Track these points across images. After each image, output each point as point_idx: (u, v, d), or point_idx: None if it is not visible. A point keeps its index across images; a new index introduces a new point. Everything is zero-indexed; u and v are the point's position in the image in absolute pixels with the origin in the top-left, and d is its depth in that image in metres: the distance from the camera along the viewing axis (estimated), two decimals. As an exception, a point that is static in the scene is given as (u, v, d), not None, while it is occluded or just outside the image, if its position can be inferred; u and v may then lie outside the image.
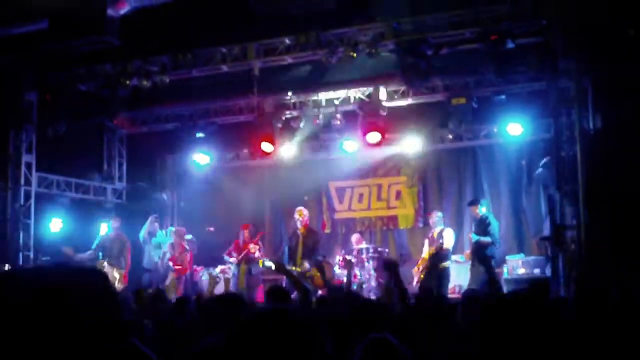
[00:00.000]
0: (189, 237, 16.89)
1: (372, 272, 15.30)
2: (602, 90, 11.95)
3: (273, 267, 13.39)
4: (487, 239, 13.42)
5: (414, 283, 13.94)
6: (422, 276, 13.89)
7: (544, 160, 14.37)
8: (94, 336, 1.64)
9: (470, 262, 13.90)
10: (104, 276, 1.81)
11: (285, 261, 13.73)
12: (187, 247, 15.88)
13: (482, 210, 14.01)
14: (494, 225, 13.75)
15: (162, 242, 15.95)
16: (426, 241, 14.62)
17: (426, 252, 14.34)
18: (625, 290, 6.29)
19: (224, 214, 17.78)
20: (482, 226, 13.63)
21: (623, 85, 11.29)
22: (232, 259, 15.28)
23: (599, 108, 12.15)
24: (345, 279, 15.16)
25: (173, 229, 17.53)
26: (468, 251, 14.31)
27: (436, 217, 14.58)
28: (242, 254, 14.98)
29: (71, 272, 1.74)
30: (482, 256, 13.39)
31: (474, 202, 14.39)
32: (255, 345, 1.96)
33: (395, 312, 6.17)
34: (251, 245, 15.06)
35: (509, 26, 12.39)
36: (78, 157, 17.22)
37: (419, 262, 14.46)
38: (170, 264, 15.22)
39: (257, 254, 14.95)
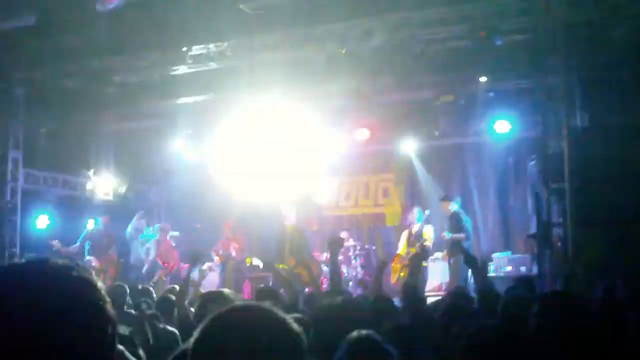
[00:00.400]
0: (175, 233, 16.88)
1: (359, 269, 15.32)
2: (589, 88, 12.01)
3: (261, 266, 13.39)
4: (460, 235, 13.48)
5: (392, 281, 13.89)
6: (402, 274, 13.78)
7: (533, 161, 14.42)
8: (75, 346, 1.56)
9: (447, 261, 13.89)
10: (89, 276, 1.69)
11: (273, 259, 13.71)
12: (172, 243, 15.86)
13: (453, 207, 14.04)
14: (467, 221, 13.81)
15: (149, 239, 15.93)
16: (403, 235, 14.54)
17: (402, 247, 14.27)
18: (609, 290, 6.33)
19: (211, 211, 17.75)
20: (455, 223, 13.66)
21: (610, 83, 11.33)
22: (216, 257, 15.24)
23: (587, 106, 12.21)
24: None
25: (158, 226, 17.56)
26: (445, 252, 14.25)
27: (416, 212, 14.54)
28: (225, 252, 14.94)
29: (53, 271, 1.64)
30: (459, 251, 13.34)
31: (446, 198, 14.38)
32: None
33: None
34: (230, 245, 15.04)
35: (498, 23, 12.40)
36: (65, 153, 17.15)
37: (395, 258, 14.40)
38: (159, 261, 15.18)
39: (233, 253, 14.89)
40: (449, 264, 13.70)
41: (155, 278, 14.99)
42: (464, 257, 13.01)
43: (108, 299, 1.65)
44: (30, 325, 1.50)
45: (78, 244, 15.38)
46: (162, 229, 15.80)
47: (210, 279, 15.55)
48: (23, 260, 1.69)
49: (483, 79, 14.07)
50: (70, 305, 1.56)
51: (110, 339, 1.61)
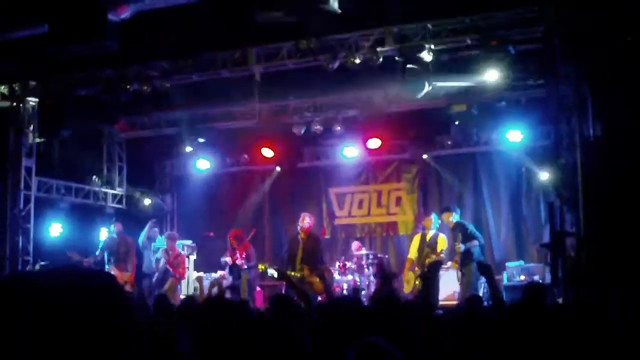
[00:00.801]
0: (188, 242, 16.90)
1: (372, 278, 15.27)
2: (601, 97, 11.95)
3: (275, 275, 13.35)
4: (474, 242, 13.40)
5: (406, 290, 13.83)
6: (417, 283, 13.69)
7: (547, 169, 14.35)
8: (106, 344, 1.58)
9: (457, 272, 13.76)
10: (114, 279, 1.72)
11: (285, 266, 13.70)
12: (181, 251, 15.87)
13: (455, 218, 13.96)
14: (471, 228, 13.74)
15: (160, 247, 15.95)
16: (415, 239, 14.43)
17: (413, 252, 14.17)
18: (622, 301, 6.29)
19: (224, 219, 17.80)
20: (463, 232, 13.57)
21: (622, 92, 11.28)
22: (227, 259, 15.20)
23: (599, 115, 12.15)
24: (344, 285, 15.17)
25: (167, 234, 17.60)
26: (452, 262, 14.10)
27: (433, 219, 14.45)
28: (233, 262, 14.86)
29: (81, 275, 1.67)
30: (472, 262, 13.24)
31: (448, 210, 14.24)
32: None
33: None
34: (237, 254, 14.99)
35: (509, 33, 12.40)
36: (78, 162, 17.20)
37: (406, 263, 14.31)
38: (169, 268, 15.19)
39: (239, 262, 14.83)
40: (461, 273, 13.61)
41: (166, 286, 14.98)
42: (478, 265, 12.99)
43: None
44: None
45: (98, 253, 15.41)
46: (169, 237, 15.77)
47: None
48: (37, 268, 1.71)
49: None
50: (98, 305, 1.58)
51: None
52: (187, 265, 16.03)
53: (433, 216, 14.59)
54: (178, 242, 16.28)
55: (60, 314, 1.52)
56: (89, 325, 1.54)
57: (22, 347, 1.49)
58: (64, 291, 1.57)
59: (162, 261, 15.27)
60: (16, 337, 1.50)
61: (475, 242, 13.46)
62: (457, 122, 15.26)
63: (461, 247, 13.39)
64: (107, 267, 15.15)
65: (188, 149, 17.13)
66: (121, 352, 1.56)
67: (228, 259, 14.87)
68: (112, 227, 15.89)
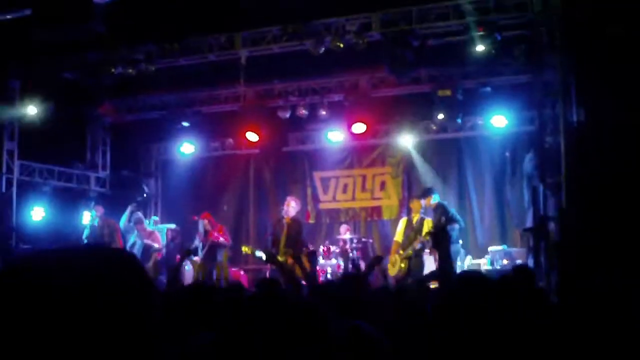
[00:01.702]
0: (172, 226, 16.89)
1: (357, 262, 15.33)
2: (586, 83, 12.03)
3: (264, 258, 13.37)
4: (455, 226, 13.38)
5: (392, 274, 13.85)
6: (403, 266, 13.74)
7: (529, 155, 14.42)
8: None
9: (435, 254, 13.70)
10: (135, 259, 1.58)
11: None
12: (147, 227, 15.91)
13: (435, 198, 13.89)
14: (452, 210, 13.76)
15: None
16: (401, 223, 14.39)
17: (399, 235, 14.15)
18: (607, 282, 6.35)
19: (208, 203, 17.77)
20: (445, 214, 13.53)
21: (607, 79, 11.36)
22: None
23: (583, 101, 12.24)
24: (329, 269, 15.23)
25: (156, 218, 17.56)
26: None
27: (421, 203, 14.39)
28: (208, 244, 14.79)
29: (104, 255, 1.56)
30: (449, 243, 13.21)
31: (428, 193, 14.16)
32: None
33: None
34: (215, 234, 14.94)
35: (496, 19, 12.44)
36: (61, 145, 17.10)
37: (393, 246, 14.31)
38: (151, 243, 15.17)
39: (221, 240, 14.82)
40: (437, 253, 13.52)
41: (151, 262, 14.94)
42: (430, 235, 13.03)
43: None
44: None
45: (86, 239, 15.33)
46: (136, 222, 15.72)
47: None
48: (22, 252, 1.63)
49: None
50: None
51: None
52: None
53: (421, 201, 14.54)
54: (159, 225, 16.36)
55: (78, 301, 1.43)
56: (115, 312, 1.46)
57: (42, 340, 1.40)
58: (79, 274, 1.47)
59: (139, 242, 15.25)
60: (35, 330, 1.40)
61: (456, 225, 13.47)
62: (442, 107, 15.26)
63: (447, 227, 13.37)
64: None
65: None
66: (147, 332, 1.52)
67: (198, 242, 14.75)
68: (93, 211, 15.76)
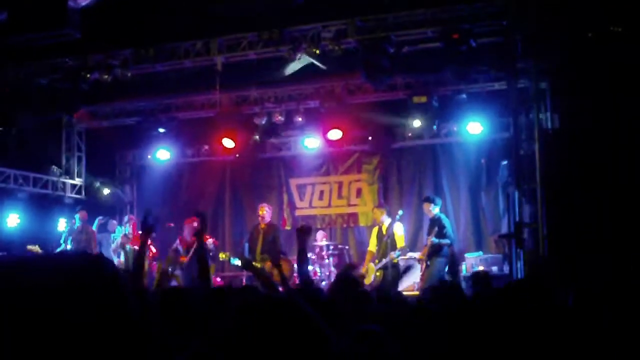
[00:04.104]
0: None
1: (333, 268, 15.35)
2: (560, 90, 12.14)
3: (240, 264, 13.36)
4: (446, 241, 13.36)
5: (367, 282, 13.88)
6: (378, 274, 13.75)
7: (504, 162, 14.49)
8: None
9: (423, 264, 13.72)
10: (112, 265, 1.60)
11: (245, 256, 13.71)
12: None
13: (435, 209, 13.88)
14: (448, 227, 13.71)
15: (117, 239, 15.81)
16: (373, 232, 14.42)
17: (372, 244, 14.19)
18: (580, 290, 6.39)
19: (184, 210, 17.71)
20: (439, 228, 13.52)
21: (580, 85, 11.46)
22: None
23: (557, 108, 12.36)
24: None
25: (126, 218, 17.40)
26: (420, 253, 14.07)
27: (384, 213, 14.35)
28: (193, 249, 14.72)
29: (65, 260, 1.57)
30: (440, 257, 13.28)
31: (429, 200, 14.16)
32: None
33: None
34: (209, 240, 14.91)
35: (470, 26, 12.51)
36: (36, 151, 17.02)
37: (367, 255, 14.33)
38: (130, 245, 15.07)
39: (211, 246, 14.80)
40: (426, 265, 13.54)
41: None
42: (450, 264, 13.15)
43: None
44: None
45: (63, 245, 15.22)
46: (130, 221, 15.64)
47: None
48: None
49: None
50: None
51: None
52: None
53: (378, 210, 14.46)
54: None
55: (47, 307, 1.44)
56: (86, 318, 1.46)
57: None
58: (48, 280, 1.48)
59: (128, 247, 15.16)
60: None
61: (447, 241, 13.46)
62: (417, 114, 15.31)
63: (434, 240, 13.31)
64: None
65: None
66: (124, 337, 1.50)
67: (178, 245, 14.63)
68: (77, 216, 15.66)
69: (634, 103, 10.78)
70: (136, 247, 14.87)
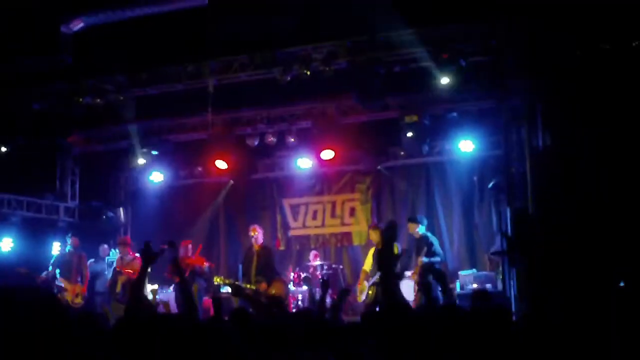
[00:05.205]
0: (140, 254, 16.79)
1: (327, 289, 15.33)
2: (551, 108, 12.21)
3: (230, 291, 13.40)
4: (436, 259, 13.39)
5: (359, 300, 13.92)
6: (370, 293, 13.76)
7: (494, 181, 14.58)
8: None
9: (415, 285, 13.69)
10: (51, 297, 1.75)
11: (239, 278, 13.69)
12: (136, 254, 15.74)
13: (422, 229, 13.91)
14: (436, 244, 13.72)
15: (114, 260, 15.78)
16: (370, 252, 14.44)
17: (367, 264, 14.22)
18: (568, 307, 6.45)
19: (178, 232, 17.73)
20: (427, 247, 13.54)
21: (571, 104, 11.54)
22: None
23: (548, 126, 12.42)
24: (299, 296, 15.21)
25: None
26: (412, 273, 14.08)
27: (375, 233, 14.40)
28: (185, 270, 14.75)
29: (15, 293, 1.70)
30: (434, 275, 13.28)
31: (415, 220, 14.16)
32: None
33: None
34: (205, 264, 14.96)
35: (461, 45, 12.61)
36: (30, 176, 17.03)
37: (361, 274, 14.37)
38: (119, 269, 14.95)
39: (206, 269, 14.85)
40: (420, 283, 13.56)
41: (119, 287, 14.77)
42: (434, 274, 13.12)
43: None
44: None
45: (50, 269, 15.19)
46: (120, 243, 15.57)
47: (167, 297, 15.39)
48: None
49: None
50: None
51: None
52: None
53: (373, 229, 14.52)
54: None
55: None
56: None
57: None
58: None
59: (111, 268, 15.11)
60: None
61: (438, 259, 13.49)
62: (409, 134, 15.37)
63: (424, 259, 13.33)
64: (57, 279, 14.96)
65: (141, 161, 17.05)
66: None
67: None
68: (68, 240, 15.62)
69: (624, 120, 10.86)
70: (129, 274, 14.88)
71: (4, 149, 15.44)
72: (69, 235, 15.92)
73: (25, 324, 1.64)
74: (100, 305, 14.97)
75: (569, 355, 3.97)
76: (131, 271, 14.84)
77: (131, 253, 15.28)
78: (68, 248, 15.44)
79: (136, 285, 6.28)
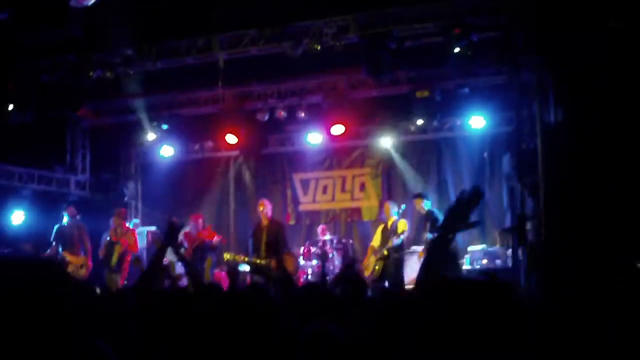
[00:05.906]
0: (152, 228, 16.85)
1: (337, 263, 15.39)
2: (562, 84, 12.11)
3: (248, 269, 13.45)
4: None
5: (367, 274, 13.97)
6: (377, 268, 13.82)
7: (507, 155, 14.52)
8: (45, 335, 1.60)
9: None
10: (59, 269, 1.74)
11: (250, 253, 13.71)
12: (129, 226, 15.74)
13: (427, 204, 13.95)
14: (441, 219, 13.66)
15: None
16: (379, 229, 14.48)
17: (376, 239, 14.26)
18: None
19: (189, 206, 17.80)
20: (433, 222, 13.54)
21: (583, 79, 11.44)
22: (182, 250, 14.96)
23: (560, 101, 12.32)
24: (309, 270, 15.27)
25: (137, 220, 17.49)
26: (421, 251, 14.14)
27: (390, 207, 14.46)
28: (196, 244, 14.81)
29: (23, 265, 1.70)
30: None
31: (420, 196, 14.21)
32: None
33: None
34: (216, 238, 15.01)
35: (472, 20, 12.50)
36: (40, 149, 17.08)
37: (368, 250, 14.42)
38: (114, 240, 14.90)
39: (217, 243, 14.90)
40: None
41: (115, 259, 14.76)
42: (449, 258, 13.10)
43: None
44: None
45: (53, 244, 15.19)
46: (116, 214, 15.47)
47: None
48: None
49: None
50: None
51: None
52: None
53: (390, 204, 14.61)
54: (140, 228, 16.27)
55: None
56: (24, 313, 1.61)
57: None
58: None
59: (107, 239, 15.04)
60: None
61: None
62: (420, 109, 15.33)
63: (429, 235, 13.35)
64: (60, 252, 14.95)
65: (151, 136, 17.08)
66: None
67: (184, 240, 14.63)
68: (65, 212, 15.57)
69: (636, 96, 10.77)
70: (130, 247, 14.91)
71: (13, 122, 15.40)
72: (65, 206, 15.86)
73: (30, 293, 1.63)
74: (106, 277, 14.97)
75: (572, 333, 3.95)
76: (128, 242, 14.89)
77: (125, 226, 15.29)
78: (66, 220, 15.34)
79: (157, 261, 6.25)
